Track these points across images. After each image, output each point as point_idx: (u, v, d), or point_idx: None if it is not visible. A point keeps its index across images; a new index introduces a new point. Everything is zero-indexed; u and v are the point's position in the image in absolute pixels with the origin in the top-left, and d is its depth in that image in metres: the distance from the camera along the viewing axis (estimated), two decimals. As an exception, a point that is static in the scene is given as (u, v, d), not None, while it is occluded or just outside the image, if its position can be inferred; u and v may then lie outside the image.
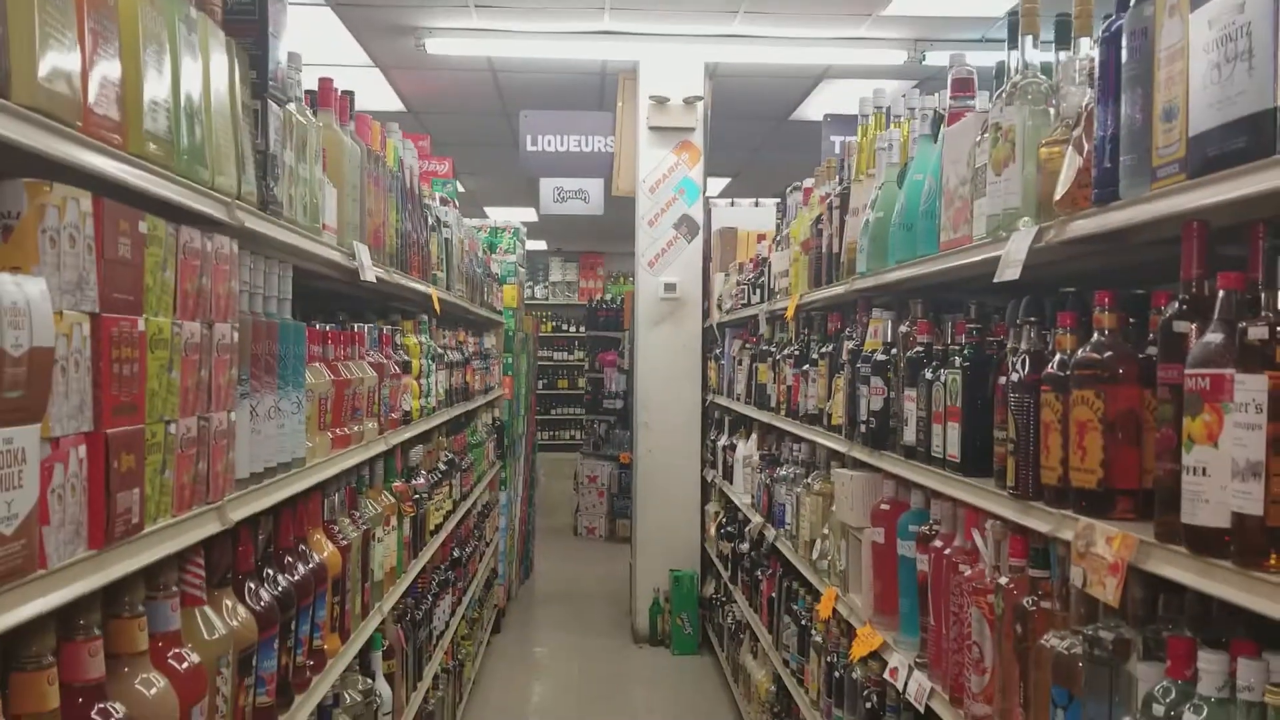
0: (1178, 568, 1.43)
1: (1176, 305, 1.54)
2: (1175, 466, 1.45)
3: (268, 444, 1.97)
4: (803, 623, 3.90)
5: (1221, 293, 1.43)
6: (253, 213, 1.83)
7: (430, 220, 4.11)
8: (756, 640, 4.93)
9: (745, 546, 5.29)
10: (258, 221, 1.86)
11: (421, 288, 3.72)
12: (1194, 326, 1.49)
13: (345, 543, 2.62)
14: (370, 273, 2.70)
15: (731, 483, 5.76)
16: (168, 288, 1.50)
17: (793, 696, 3.98)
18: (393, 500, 3.33)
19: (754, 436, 5.36)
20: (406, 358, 3.57)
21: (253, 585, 1.98)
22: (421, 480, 3.96)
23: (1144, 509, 1.64)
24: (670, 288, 6.89)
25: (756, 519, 4.85)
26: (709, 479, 6.74)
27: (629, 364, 9.07)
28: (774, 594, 4.48)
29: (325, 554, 2.43)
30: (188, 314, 1.57)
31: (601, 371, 12.58)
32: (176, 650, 1.59)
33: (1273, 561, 1.26)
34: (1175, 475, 1.45)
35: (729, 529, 5.86)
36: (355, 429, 2.71)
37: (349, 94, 2.71)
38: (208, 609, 1.74)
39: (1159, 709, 1.44)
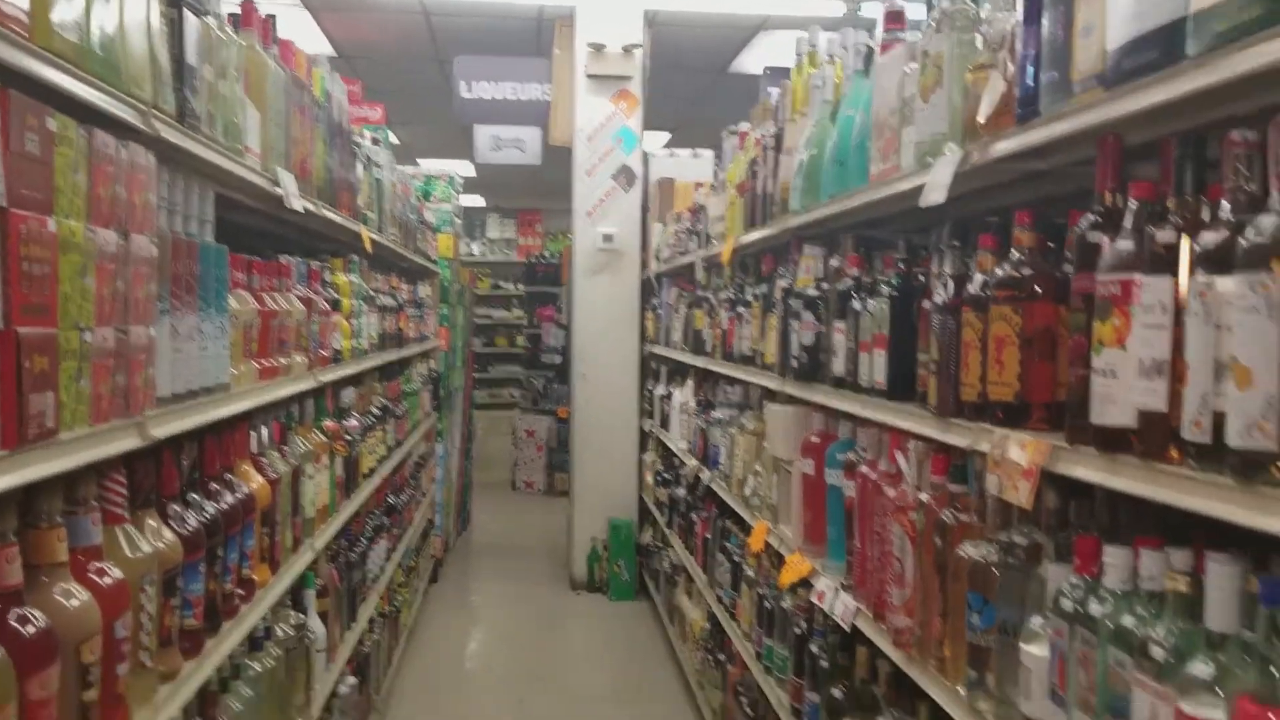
0: (1087, 467, 1.49)
1: (1091, 217, 1.58)
2: (1085, 372, 1.50)
3: (190, 365, 1.93)
4: (735, 559, 3.97)
5: (1134, 203, 1.47)
6: (170, 124, 1.78)
7: (361, 158, 4.03)
8: (692, 581, 5.00)
9: (681, 491, 5.35)
10: (175, 134, 1.81)
11: (351, 225, 3.66)
12: (1107, 237, 1.54)
13: (274, 476, 2.59)
14: (297, 202, 2.65)
15: (668, 430, 5.81)
16: (79, 191, 1.46)
17: (726, 632, 4.06)
18: (324, 440, 3.30)
19: (690, 383, 5.40)
20: (336, 295, 3.51)
21: (178, 509, 1.95)
22: (354, 423, 3.92)
23: (1057, 419, 1.70)
24: (608, 238, 6.86)
25: (692, 463, 4.90)
26: (647, 429, 6.79)
27: (567, 316, 9.05)
28: (708, 535, 4.54)
29: (254, 485, 2.40)
30: (101, 221, 1.52)
31: (539, 327, 12.53)
32: (98, 565, 1.57)
33: (1174, 454, 1.32)
34: (1085, 381, 1.50)
35: (665, 475, 5.92)
36: (283, 361, 2.67)
37: (271, 17, 2.63)
38: (130, 527, 1.72)
39: (1067, 603, 1.50)
